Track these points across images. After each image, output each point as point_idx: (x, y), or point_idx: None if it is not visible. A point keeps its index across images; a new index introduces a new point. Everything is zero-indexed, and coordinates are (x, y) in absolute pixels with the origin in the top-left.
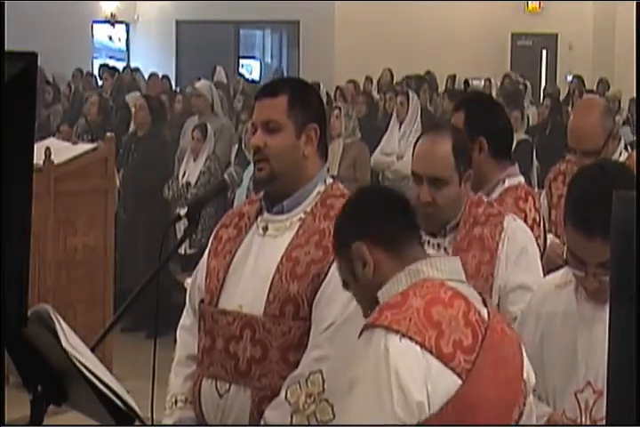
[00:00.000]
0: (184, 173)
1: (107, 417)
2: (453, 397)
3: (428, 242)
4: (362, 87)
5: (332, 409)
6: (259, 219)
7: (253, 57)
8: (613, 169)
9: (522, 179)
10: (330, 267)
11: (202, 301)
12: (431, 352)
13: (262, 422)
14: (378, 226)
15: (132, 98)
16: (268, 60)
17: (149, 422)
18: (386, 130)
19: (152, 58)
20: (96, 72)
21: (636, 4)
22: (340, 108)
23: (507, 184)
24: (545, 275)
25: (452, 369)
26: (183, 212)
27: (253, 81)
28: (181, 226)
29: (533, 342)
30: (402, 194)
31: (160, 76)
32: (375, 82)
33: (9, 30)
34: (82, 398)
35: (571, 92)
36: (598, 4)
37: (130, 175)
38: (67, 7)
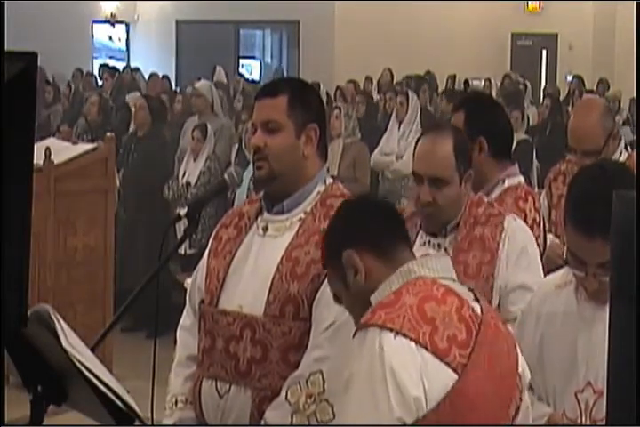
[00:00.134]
0: (184, 173)
1: (107, 417)
2: (450, 391)
3: (429, 242)
4: (362, 87)
5: (333, 409)
6: (259, 219)
7: (253, 57)
8: (613, 169)
9: (522, 179)
10: None
11: (202, 301)
12: (426, 348)
13: (263, 423)
14: (366, 232)
15: (133, 98)
16: (268, 60)
17: (149, 423)
18: (385, 130)
19: (152, 58)
20: (96, 72)
21: (636, 4)
22: (339, 108)
23: (506, 184)
24: (545, 275)
25: (448, 364)
26: (183, 212)
27: (253, 81)
28: (181, 226)
29: (533, 342)
30: (387, 201)
31: (160, 76)
32: (375, 82)
33: (9, 30)
34: (82, 398)
35: (571, 92)
36: (598, 4)
37: (130, 175)
38: (67, 7)
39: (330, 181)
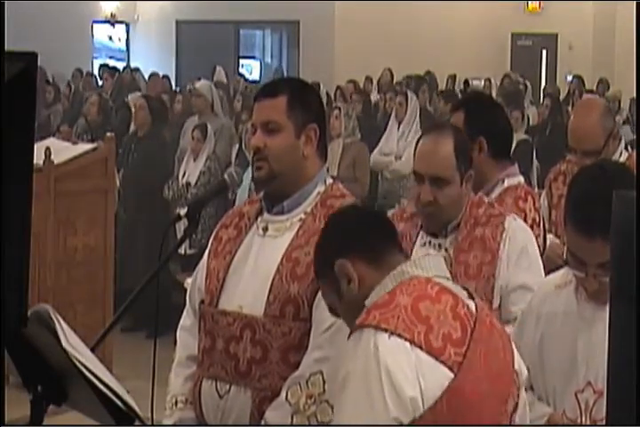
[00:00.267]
0: (184, 173)
1: (107, 417)
2: (446, 390)
3: (429, 242)
4: (362, 87)
5: (333, 410)
6: (259, 219)
7: (253, 57)
8: (613, 169)
9: (521, 179)
10: None
11: (202, 301)
12: (421, 348)
13: (263, 423)
14: (357, 240)
15: (134, 98)
16: (268, 60)
17: (149, 423)
18: (385, 130)
19: (152, 58)
20: (96, 72)
21: (636, 4)
22: (339, 109)
23: (506, 184)
24: (545, 275)
25: (443, 363)
26: (183, 212)
27: (253, 81)
28: (181, 226)
29: (533, 342)
30: (374, 209)
31: (160, 75)
32: (375, 82)
33: (9, 30)
34: (82, 398)
35: (571, 92)
36: (598, 4)
37: (130, 175)
38: (67, 7)
39: (330, 181)
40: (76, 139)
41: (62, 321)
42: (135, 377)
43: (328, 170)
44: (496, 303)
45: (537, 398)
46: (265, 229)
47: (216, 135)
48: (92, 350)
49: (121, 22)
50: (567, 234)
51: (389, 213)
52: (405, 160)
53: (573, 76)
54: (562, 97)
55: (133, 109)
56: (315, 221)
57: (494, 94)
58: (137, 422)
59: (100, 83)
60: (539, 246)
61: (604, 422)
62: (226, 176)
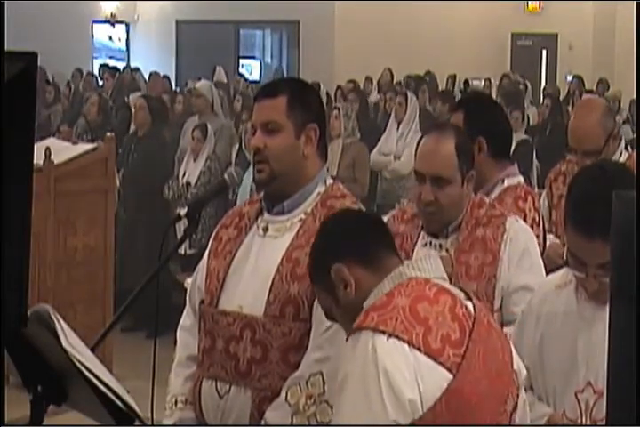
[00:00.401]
0: (184, 173)
1: (107, 417)
2: (446, 391)
3: (430, 243)
4: (362, 87)
5: (333, 411)
6: (259, 219)
7: (253, 57)
8: (614, 170)
9: (521, 179)
10: None
11: (202, 301)
12: (419, 349)
13: (263, 423)
14: (352, 244)
15: (134, 98)
16: (268, 60)
17: (149, 423)
18: (384, 130)
19: (152, 58)
20: (96, 72)
21: (636, 4)
22: (339, 109)
23: (506, 184)
24: (545, 275)
25: (442, 364)
26: (183, 212)
27: (253, 81)
28: (181, 226)
29: (533, 342)
30: (368, 212)
31: (161, 75)
32: (375, 82)
33: (9, 30)
34: (82, 398)
35: (571, 92)
36: (598, 4)
37: (130, 175)
38: (67, 7)
39: (330, 181)
40: (76, 139)
41: (62, 321)
42: (135, 377)
43: (328, 170)
44: (497, 304)
45: (537, 398)
46: (265, 230)
47: (216, 135)
48: (92, 350)
49: (121, 22)
50: (567, 234)
51: (389, 214)
52: (404, 160)
53: (573, 76)
54: (562, 97)
55: (133, 109)
56: (315, 221)
57: (494, 94)
58: (137, 422)
59: (100, 83)
60: (539, 246)
61: (604, 423)
62: (226, 176)
